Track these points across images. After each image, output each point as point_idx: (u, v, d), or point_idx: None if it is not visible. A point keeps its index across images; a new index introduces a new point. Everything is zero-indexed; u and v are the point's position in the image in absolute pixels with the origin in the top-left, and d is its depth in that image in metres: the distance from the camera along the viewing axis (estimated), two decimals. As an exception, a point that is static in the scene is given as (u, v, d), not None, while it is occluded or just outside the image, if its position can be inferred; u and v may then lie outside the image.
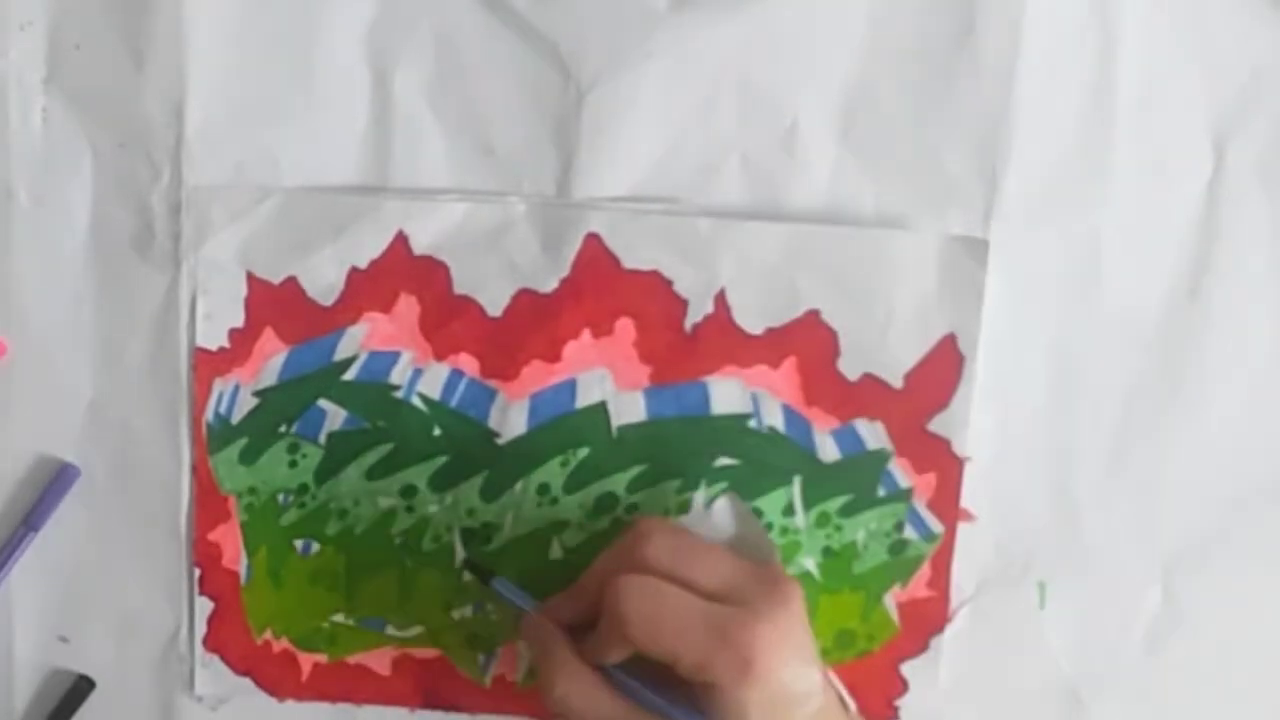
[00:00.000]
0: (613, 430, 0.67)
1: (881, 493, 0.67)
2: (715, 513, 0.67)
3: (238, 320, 0.67)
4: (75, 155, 0.67)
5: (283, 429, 0.68)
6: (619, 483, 0.67)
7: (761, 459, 0.67)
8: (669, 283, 0.66)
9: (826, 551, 0.67)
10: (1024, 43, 0.64)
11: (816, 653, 0.62)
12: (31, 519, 0.69)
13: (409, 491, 0.68)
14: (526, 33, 0.65)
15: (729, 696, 0.59)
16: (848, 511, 0.67)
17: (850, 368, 0.66)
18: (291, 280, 0.67)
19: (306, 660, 0.70)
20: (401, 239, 0.66)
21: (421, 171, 0.66)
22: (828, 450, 0.67)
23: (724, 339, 0.66)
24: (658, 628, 0.60)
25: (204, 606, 0.70)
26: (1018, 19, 0.64)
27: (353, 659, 0.70)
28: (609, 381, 0.67)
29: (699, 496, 0.67)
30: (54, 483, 0.68)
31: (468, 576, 0.69)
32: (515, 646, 0.70)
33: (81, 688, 0.70)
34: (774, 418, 0.66)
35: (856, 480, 0.67)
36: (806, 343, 0.65)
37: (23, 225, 0.67)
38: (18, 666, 0.71)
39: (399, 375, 0.67)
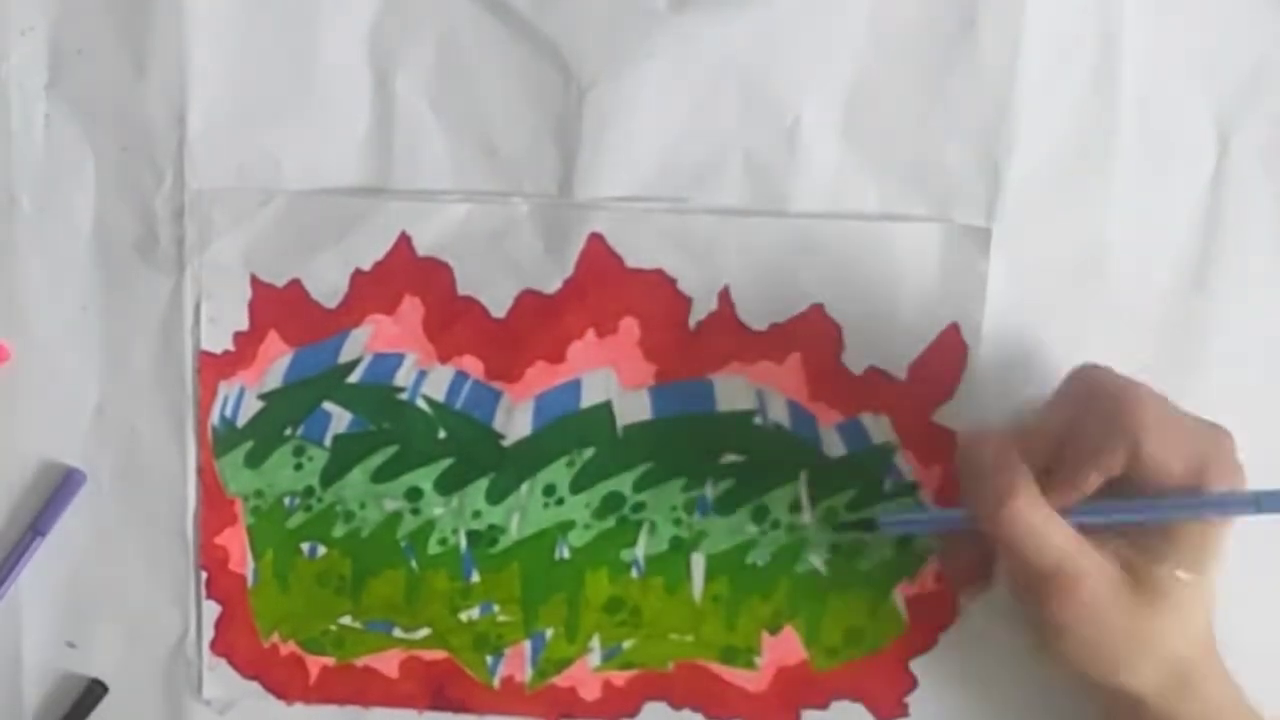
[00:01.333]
0: (618, 429, 0.67)
1: (888, 487, 0.67)
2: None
3: (242, 323, 0.67)
4: (78, 160, 0.67)
5: (288, 432, 0.68)
6: (625, 482, 0.67)
7: (767, 455, 0.67)
8: (672, 281, 0.66)
9: (834, 547, 0.67)
10: (1026, 36, 0.64)
11: None
12: (39, 524, 0.69)
13: (414, 494, 0.68)
14: (528, 33, 0.65)
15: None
16: (855, 506, 0.67)
17: (854, 361, 0.66)
18: (295, 283, 0.67)
19: (314, 663, 0.70)
20: (405, 240, 0.66)
21: (424, 173, 0.66)
22: (833, 445, 0.66)
23: (728, 336, 0.66)
24: (1166, 435, 0.59)
25: (211, 610, 0.70)
26: (1019, 12, 0.64)
27: (360, 661, 0.70)
28: (613, 381, 0.67)
29: (710, 491, 0.67)
30: (61, 488, 0.69)
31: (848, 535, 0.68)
32: (514, 648, 0.70)
33: (95, 692, 0.70)
34: (779, 414, 0.66)
35: (863, 475, 0.67)
36: (811, 338, 0.65)
37: (26, 231, 0.67)
38: (26, 671, 0.71)
39: (404, 377, 0.67)
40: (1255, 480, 0.66)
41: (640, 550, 0.68)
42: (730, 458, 0.67)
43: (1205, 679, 0.62)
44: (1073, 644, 0.60)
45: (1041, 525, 0.59)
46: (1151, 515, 0.60)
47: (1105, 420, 0.60)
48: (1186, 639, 0.61)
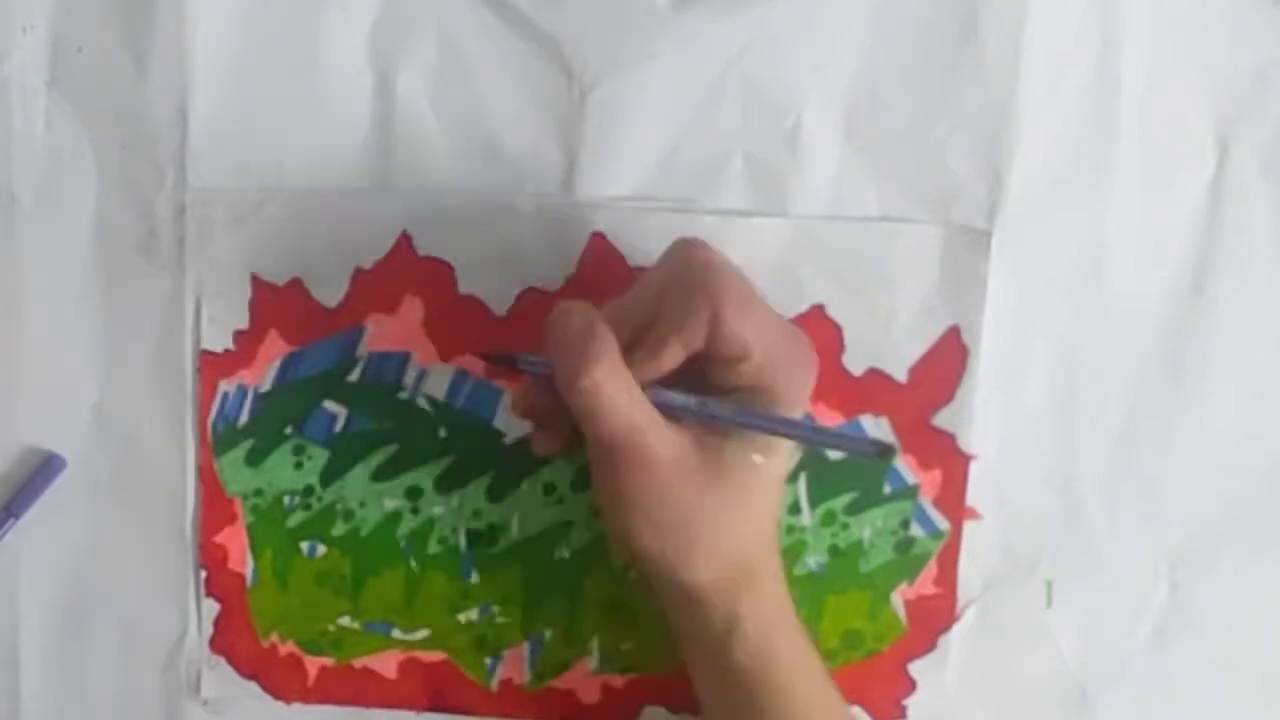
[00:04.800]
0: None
1: (887, 490, 0.67)
2: None
3: (242, 322, 0.67)
4: (78, 159, 0.67)
5: (288, 431, 0.68)
6: (625, 482, 0.67)
7: (767, 456, 0.67)
8: (673, 280, 0.66)
9: (833, 550, 0.67)
10: (1027, 39, 0.64)
11: None
12: (13, 506, 0.69)
13: (414, 493, 0.68)
14: (529, 33, 0.65)
15: (783, 400, 0.59)
16: (854, 509, 0.67)
17: (855, 363, 0.66)
18: (296, 282, 0.67)
19: (313, 664, 0.70)
20: (405, 239, 0.66)
21: (425, 172, 0.66)
22: (833, 447, 0.67)
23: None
24: (748, 313, 0.58)
25: (210, 609, 0.70)
26: (1021, 16, 0.64)
27: (359, 662, 0.70)
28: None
29: None
30: (39, 471, 0.69)
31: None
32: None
33: None
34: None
35: (862, 477, 0.67)
36: (811, 338, 0.65)
37: (26, 229, 0.67)
38: (24, 670, 0.71)
39: (404, 376, 0.67)
40: (1258, 486, 0.67)
41: (640, 552, 0.68)
42: (731, 458, 0.67)
43: (764, 578, 0.61)
44: (640, 522, 0.60)
45: (615, 394, 0.58)
46: (736, 419, 0.59)
47: (689, 292, 0.59)
48: (751, 531, 0.61)
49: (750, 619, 0.61)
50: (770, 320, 0.60)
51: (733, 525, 0.60)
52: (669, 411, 0.60)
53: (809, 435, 0.61)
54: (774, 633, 0.62)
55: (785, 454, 0.62)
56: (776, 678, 0.61)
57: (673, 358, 0.59)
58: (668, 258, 0.61)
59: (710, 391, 0.60)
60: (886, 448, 0.58)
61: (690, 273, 0.59)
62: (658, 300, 0.60)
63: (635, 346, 0.60)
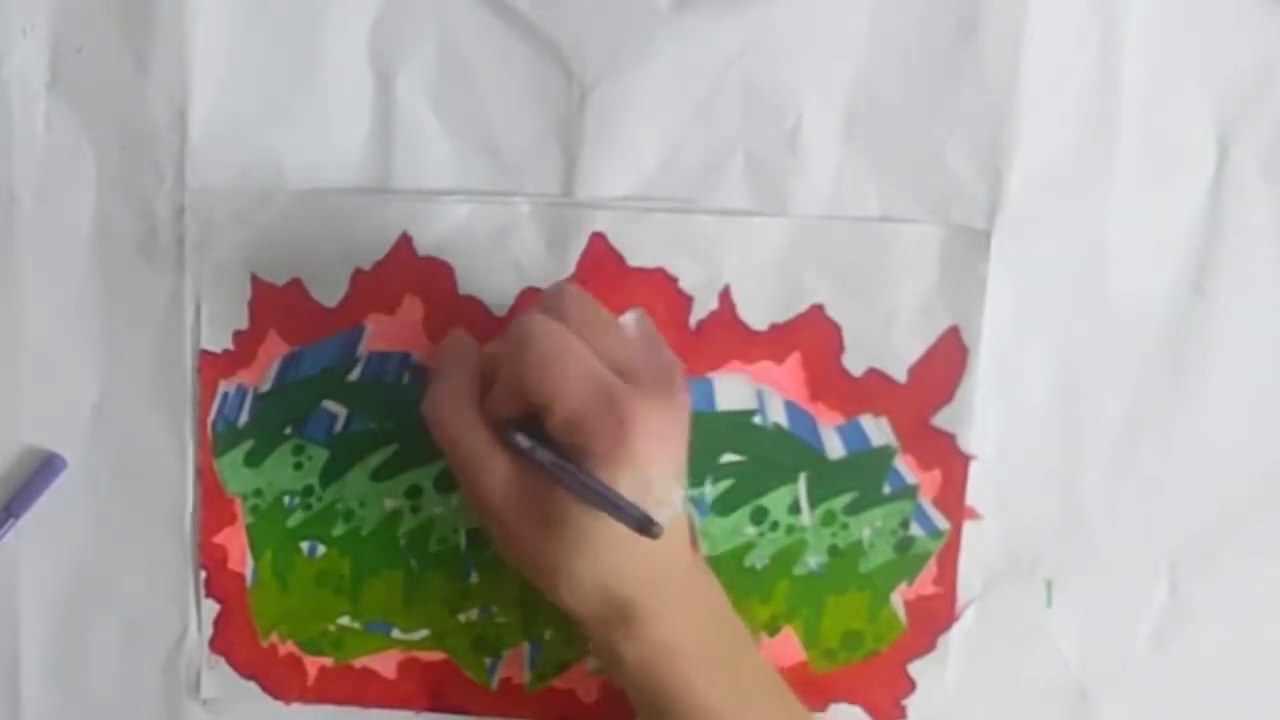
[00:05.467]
0: None
1: (887, 490, 0.67)
2: (624, 325, 0.65)
3: (242, 322, 0.67)
4: (78, 159, 0.67)
5: (288, 431, 0.68)
6: (625, 482, 0.67)
7: (767, 456, 0.67)
8: (673, 280, 0.66)
9: (833, 550, 0.67)
10: (1027, 40, 0.64)
11: (685, 471, 0.61)
12: (13, 506, 0.69)
13: (414, 492, 0.68)
14: (529, 33, 0.65)
15: (595, 456, 0.58)
16: (853, 509, 0.67)
17: (854, 363, 0.66)
18: (296, 282, 0.67)
19: (313, 664, 0.70)
20: (405, 240, 0.66)
21: (425, 172, 0.66)
22: (833, 446, 0.67)
23: (728, 336, 0.66)
24: (549, 367, 0.59)
25: (210, 609, 0.70)
26: (1021, 16, 0.64)
27: (359, 662, 0.70)
28: None
29: (709, 491, 0.67)
30: (39, 471, 0.69)
31: None
32: (521, 651, 0.69)
33: None
34: (779, 414, 0.66)
35: (862, 477, 0.67)
36: (811, 338, 0.65)
37: (26, 230, 0.67)
38: (24, 670, 0.71)
39: (404, 376, 0.67)
40: (1258, 487, 0.67)
41: (639, 552, 0.68)
42: (729, 458, 0.67)
43: (646, 616, 0.61)
44: (495, 543, 0.64)
45: (453, 419, 0.61)
46: (547, 466, 0.59)
47: (506, 345, 0.61)
48: (616, 573, 0.60)
49: (630, 656, 0.62)
50: (580, 378, 0.59)
51: (582, 567, 0.60)
52: (515, 449, 0.60)
53: (580, 491, 0.59)
54: (659, 670, 0.62)
55: (663, 495, 0.60)
56: (670, 708, 0.62)
57: (503, 404, 0.61)
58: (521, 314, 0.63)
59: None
60: (649, 521, 0.57)
61: (514, 328, 0.61)
62: (503, 348, 0.62)
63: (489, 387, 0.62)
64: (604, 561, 0.60)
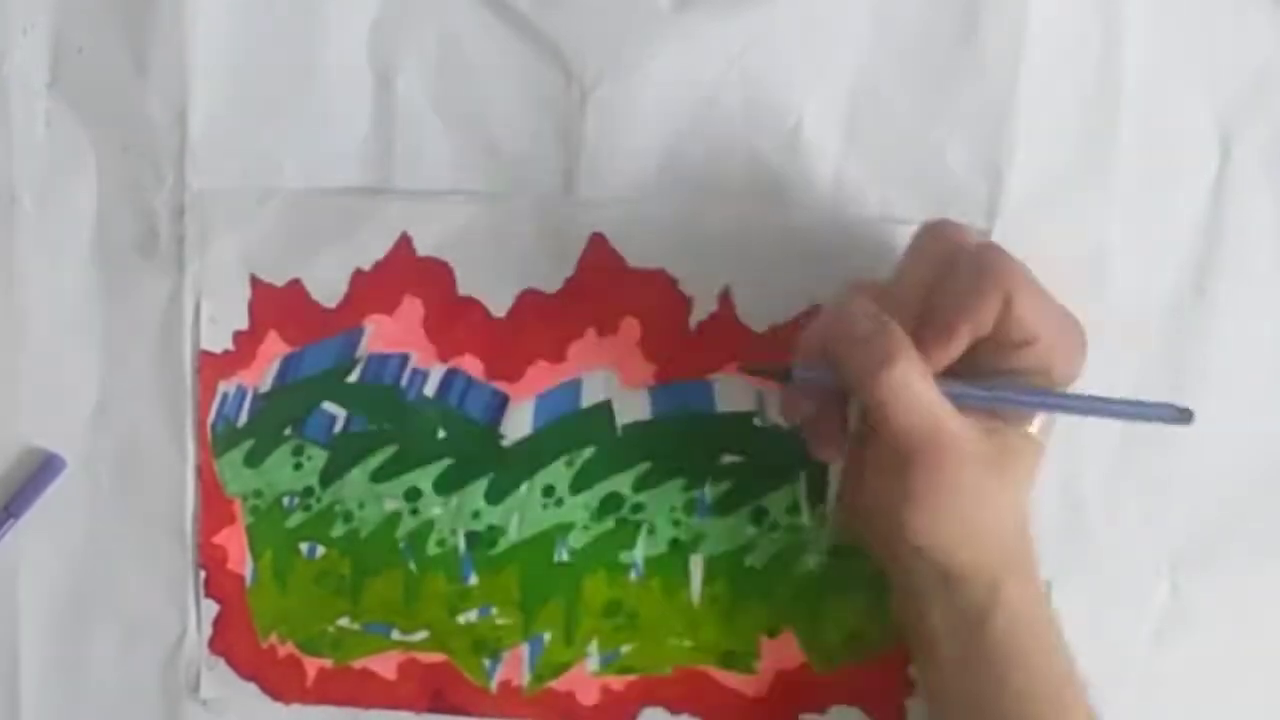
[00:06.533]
0: (618, 429, 0.67)
1: (886, 490, 0.67)
2: None
3: (242, 323, 0.67)
4: (79, 159, 0.67)
5: (288, 431, 0.68)
6: (624, 482, 0.67)
7: (767, 456, 0.67)
8: (673, 281, 0.66)
9: (834, 550, 0.67)
10: (1028, 40, 0.64)
11: None
12: (12, 506, 0.69)
13: (414, 494, 0.68)
14: (530, 33, 0.65)
15: (1059, 381, 0.59)
16: (853, 509, 0.67)
17: (855, 363, 0.66)
18: (295, 282, 0.67)
19: (312, 665, 0.70)
20: (405, 240, 0.66)
21: (425, 172, 0.66)
22: (833, 447, 0.66)
23: (728, 337, 0.66)
24: (1035, 295, 0.58)
25: (209, 609, 0.70)
26: (1021, 16, 0.64)
27: (358, 663, 0.70)
28: (614, 381, 0.67)
29: (708, 491, 0.67)
30: (39, 471, 0.68)
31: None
32: (515, 652, 0.69)
33: None
34: (779, 415, 0.66)
35: (862, 478, 0.67)
36: (810, 339, 0.65)
37: (26, 229, 0.67)
38: (23, 669, 0.71)
39: (403, 377, 0.67)
40: (1258, 487, 0.67)
41: (639, 552, 0.68)
42: (729, 458, 0.67)
43: (1026, 557, 0.62)
44: (927, 514, 0.59)
45: (920, 389, 0.58)
46: (1036, 402, 0.60)
47: (975, 275, 0.58)
48: (1018, 513, 0.61)
49: (1012, 598, 0.61)
50: (1052, 303, 0.59)
51: (1008, 506, 0.60)
52: (955, 400, 0.59)
53: (1107, 409, 0.60)
54: (1033, 625, 0.62)
55: (1049, 430, 0.61)
56: (1030, 675, 0.61)
57: (960, 345, 0.59)
58: (923, 244, 0.61)
59: (980, 375, 0.60)
60: (1183, 411, 0.58)
61: (972, 257, 0.59)
62: (932, 286, 0.59)
63: (915, 336, 0.58)
64: (1024, 502, 0.61)
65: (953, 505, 0.59)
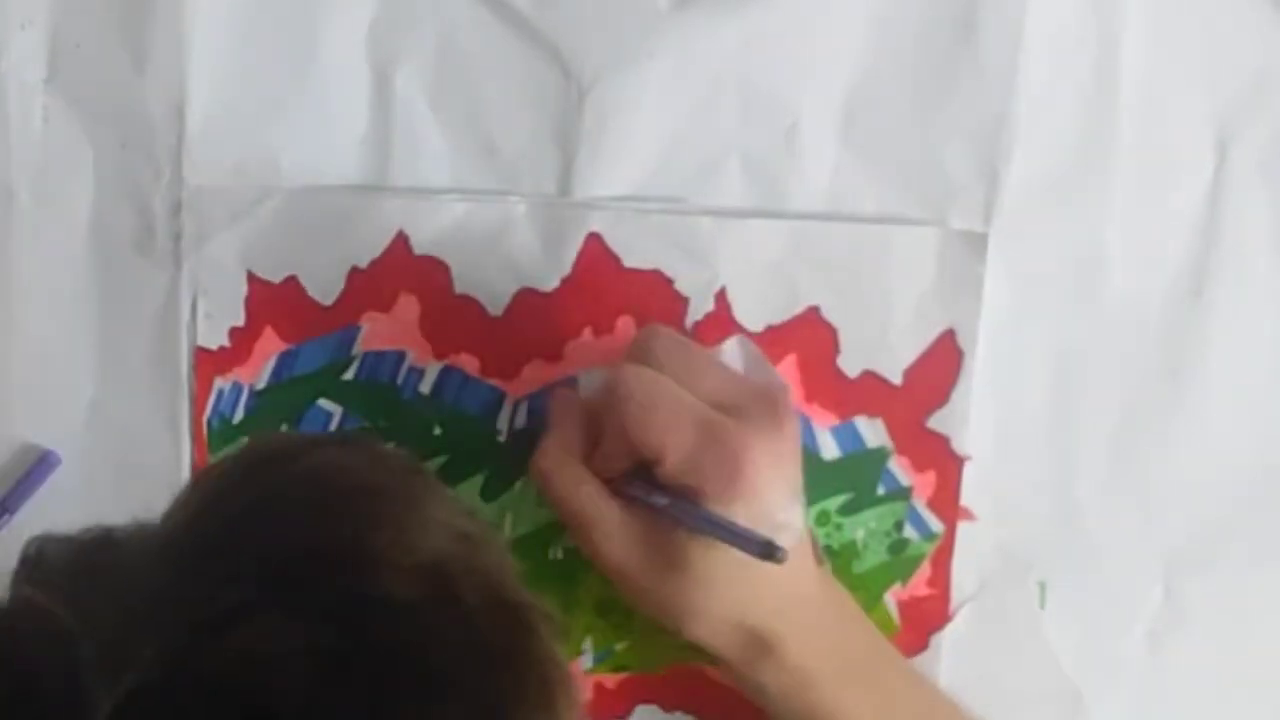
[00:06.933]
0: None
1: (881, 491, 0.67)
2: (724, 352, 0.65)
3: (238, 320, 0.67)
4: (76, 155, 0.67)
5: (284, 428, 0.68)
6: (620, 482, 0.67)
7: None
8: (669, 281, 0.66)
9: (827, 551, 0.67)
10: (1025, 41, 0.64)
11: (802, 491, 0.61)
12: (8, 502, 0.69)
13: (410, 491, 0.68)
14: (527, 32, 0.65)
15: (710, 495, 0.59)
16: (848, 510, 0.67)
17: (850, 364, 0.66)
18: (292, 280, 0.67)
19: (307, 661, 0.70)
20: (402, 239, 0.66)
21: (422, 171, 0.66)
22: (828, 448, 0.67)
23: (724, 337, 0.66)
24: (652, 417, 0.59)
25: (205, 606, 0.69)
26: (1019, 17, 0.64)
27: (353, 660, 0.70)
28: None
29: None
30: (34, 468, 0.68)
31: None
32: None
33: None
34: None
35: (856, 478, 0.67)
36: (806, 340, 0.65)
37: (23, 225, 0.67)
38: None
39: (399, 375, 0.67)
40: (1253, 489, 0.67)
41: (634, 551, 0.68)
42: (725, 458, 0.67)
43: (783, 644, 0.61)
44: (619, 586, 0.63)
45: (559, 482, 0.62)
46: (682, 518, 0.60)
47: (608, 393, 0.62)
48: (749, 607, 0.61)
49: (773, 686, 0.62)
50: (685, 421, 0.60)
51: (712, 607, 0.61)
52: (631, 499, 0.61)
53: (702, 527, 0.60)
54: (807, 694, 0.62)
55: (786, 521, 0.60)
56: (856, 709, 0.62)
57: (616, 460, 0.61)
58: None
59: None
60: (772, 547, 0.58)
61: (611, 377, 0.62)
62: (606, 403, 0.62)
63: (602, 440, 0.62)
64: (733, 596, 0.60)
65: (629, 588, 0.62)
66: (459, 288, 0.66)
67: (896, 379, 0.66)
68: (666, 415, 0.60)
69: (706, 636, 0.61)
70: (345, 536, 0.45)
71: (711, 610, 0.61)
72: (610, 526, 0.61)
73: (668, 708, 0.69)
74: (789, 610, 0.62)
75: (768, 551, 0.57)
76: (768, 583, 0.60)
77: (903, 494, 0.67)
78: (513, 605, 0.46)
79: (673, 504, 0.60)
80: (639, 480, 0.61)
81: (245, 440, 0.66)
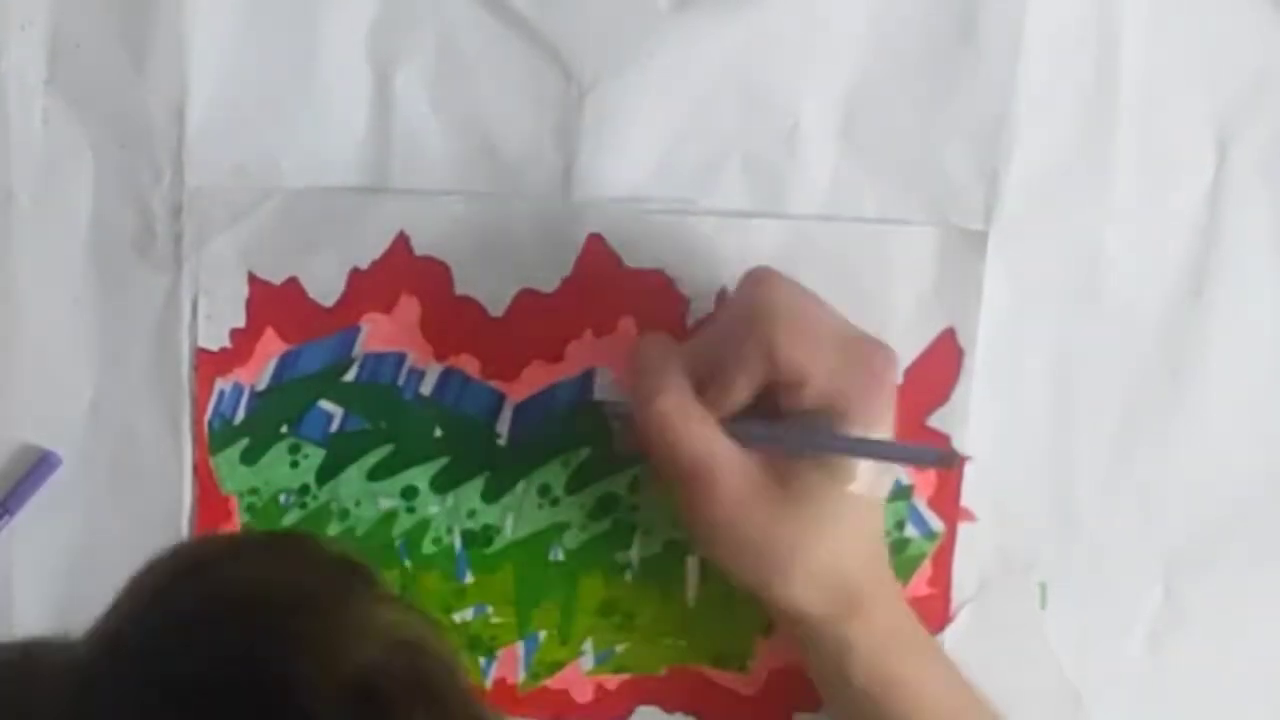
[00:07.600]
0: (614, 430, 0.67)
1: (882, 490, 0.67)
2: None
3: (239, 320, 0.67)
4: (76, 156, 0.67)
5: (284, 430, 0.68)
6: (620, 483, 0.67)
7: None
8: (670, 281, 0.66)
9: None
10: (1025, 42, 0.64)
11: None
12: (9, 503, 0.68)
13: (410, 492, 0.68)
14: (528, 33, 0.65)
15: (854, 419, 0.59)
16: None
17: (851, 364, 0.66)
18: (293, 280, 0.67)
19: (307, 663, 0.70)
20: (403, 239, 0.66)
21: (422, 172, 0.66)
22: (828, 447, 0.66)
23: (725, 337, 0.66)
24: (801, 334, 0.59)
25: (205, 607, 0.69)
26: (1019, 18, 0.64)
27: (353, 661, 0.70)
28: (611, 381, 0.67)
29: None
30: (35, 468, 0.68)
31: None
32: (514, 649, 0.69)
33: None
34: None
35: (858, 478, 0.67)
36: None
37: (23, 226, 0.67)
38: (18, 667, 0.71)
39: (400, 376, 0.67)
40: (1253, 490, 0.67)
41: (635, 553, 0.68)
42: (725, 459, 0.67)
43: (873, 603, 0.62)
44: (720, 547, 0.62)
45: (682, 424, 0.60)
46: (799, 443, 0.60)
47: (737, 322, 0.61)
48: (847, 557, 0.61)
49: (862, 645, 0.62)
50: (829, 342, 0.60)
51: (820, 551, 0.60)
52: (746, 440, 0.61)
53: (865, 450, 0.60)
54: (889, 657, 0.62)
55: (875, 477, 0.61)
56: (897, 704, 0.62)
57: (740, 391, 0.60)
58: (735, 292, 0.63)
59: (790, 415, 0.61)
60: (948, 455, 0.58)
61: (745, 307, 0.61)
62: (725, 336, 0.61)
63: (709, 381, 0.61)
64: (839, 544, 0.60)
65: (740, 540, 0.61)
66: (460, 288, 0.66)
67: (897, 379, 0.66)
68: (814, 333, 0.59)
69: (806, 589, 0.60)
70: (263, 658, 0.41)
71: (818, 556, 0.60)
72: (734, 466, 0.60)
73: (669, 709, 0.69)
74: (878, 567, 0.63)
75: (947, 460, 0.58)
76: (864, 536, 0.61)
77: (903, 493, 0.67)
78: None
79: (809, 435, 0.59)
80: (750, 420, 0.61)
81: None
